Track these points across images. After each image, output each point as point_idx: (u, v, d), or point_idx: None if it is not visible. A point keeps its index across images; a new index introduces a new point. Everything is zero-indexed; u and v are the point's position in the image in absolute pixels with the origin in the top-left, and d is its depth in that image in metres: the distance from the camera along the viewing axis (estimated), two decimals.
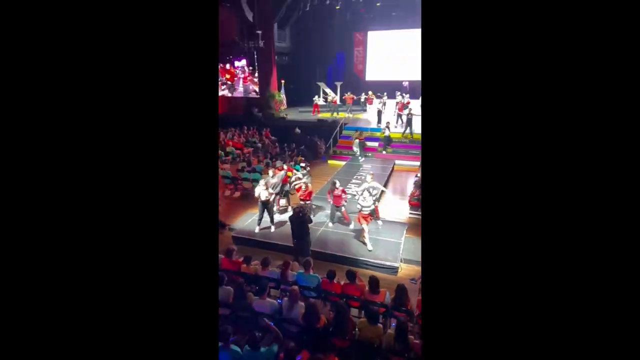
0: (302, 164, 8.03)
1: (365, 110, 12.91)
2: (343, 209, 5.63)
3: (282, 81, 14.04)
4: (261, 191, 5.40)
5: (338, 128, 10.90)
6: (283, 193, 6.30)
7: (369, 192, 5.11)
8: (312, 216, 5.09)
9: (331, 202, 5.69)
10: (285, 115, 12.84)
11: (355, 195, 5.10)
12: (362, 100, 13.11)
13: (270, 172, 6.21)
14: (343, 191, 5.66)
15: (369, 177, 5.49)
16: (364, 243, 5.03)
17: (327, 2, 12.79)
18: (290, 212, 5.31)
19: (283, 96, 13.99)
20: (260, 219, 5.57)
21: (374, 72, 15.72)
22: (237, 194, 7.53)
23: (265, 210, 5.52)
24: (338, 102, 13.20)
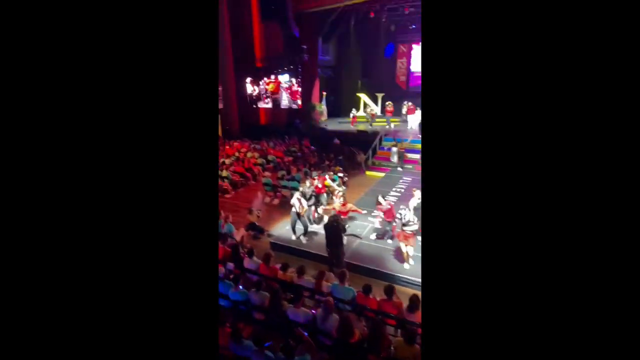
0: (340, 174, 8.04)
1: (405, 121, 12.64)
2: (394, 223, 5.30)
3: (324, 93, 14.32)
4: (295, 201, 5.51)
5: (377, 139, 10.79)
6: (319, 203, 6.35)
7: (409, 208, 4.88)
8: (346, 226, 5.04)
9: (380, 217, 5.50)
10: (325, 125, 13.05)
11: (403, 217, 4.72)
12: (404, 111, 12.86)
13: (307, 183, 6.31)
14: (390, 204, 5.44)
15: (418, 193, 5.24)
16: (403, 262, 4.80)
17: (372, 15, 12.88)
18: (325, 222, 5.32)
19: (324, 107, 14.24)
20: (293, 227, 5.66)
21: (417, 82, 15.42)
22: (276, 201, 7.74)
23: (299, 220, 5.60)
24: (378, 114, 13.09)
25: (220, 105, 13.33)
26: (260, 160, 10.02)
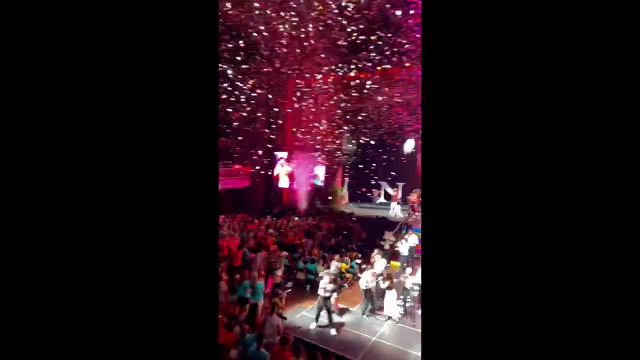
0: (358, 261, 7.83)
1: None
2: None
3: (346, 179, 15.09)
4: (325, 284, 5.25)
5: (398, 227, 10.75)
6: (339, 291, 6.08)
7: None
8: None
9: None
10: (346, 209, 13.31)
11: None
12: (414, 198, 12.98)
13: (333, 266, 6.18)
14: None
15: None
16: None
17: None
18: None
19: (345, 191, 14.82)
20: (317, 316, 5.30)
21: None
22: (290, 284, 7.46)
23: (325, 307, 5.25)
24: (399, 199, 13.32)
25: (248, 184, 14.17)
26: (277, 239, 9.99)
